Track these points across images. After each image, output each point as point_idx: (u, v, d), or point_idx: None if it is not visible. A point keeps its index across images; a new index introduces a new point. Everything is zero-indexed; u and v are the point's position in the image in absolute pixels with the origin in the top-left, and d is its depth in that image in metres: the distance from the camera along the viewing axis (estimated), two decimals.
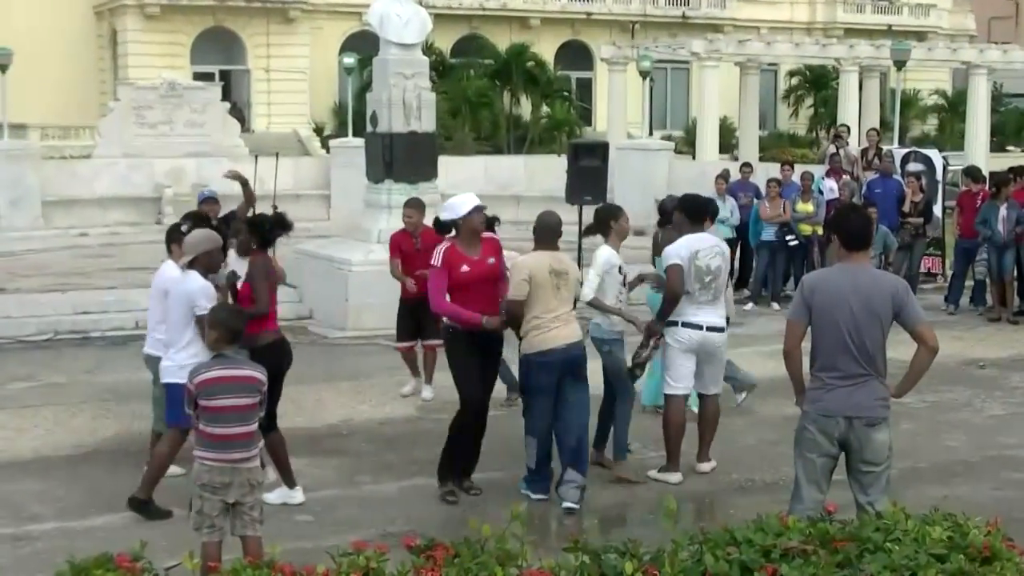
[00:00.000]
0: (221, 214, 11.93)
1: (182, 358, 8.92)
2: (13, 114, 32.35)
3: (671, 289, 9.94)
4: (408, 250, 12.64)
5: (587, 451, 9.76)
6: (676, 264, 9.89)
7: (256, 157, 20.75)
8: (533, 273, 9.29)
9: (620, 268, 10.09)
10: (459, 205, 9.71)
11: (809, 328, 7.30)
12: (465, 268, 9.55)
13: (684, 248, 9.99)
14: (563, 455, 9.48)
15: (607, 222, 10.20)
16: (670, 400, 10.24)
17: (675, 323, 10.02)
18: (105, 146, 31.75)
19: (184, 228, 9.98)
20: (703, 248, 10.00)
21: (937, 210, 21.13)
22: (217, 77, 44.18)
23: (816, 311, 7.19)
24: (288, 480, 9.44)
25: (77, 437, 11.30)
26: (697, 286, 9.93)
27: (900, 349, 7.59)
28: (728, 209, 19.28)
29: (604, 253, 10.04)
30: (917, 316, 7.19)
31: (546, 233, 9.58)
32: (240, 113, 42.60)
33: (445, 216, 9.81)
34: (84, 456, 10.79)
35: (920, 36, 54.22)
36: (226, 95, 38.12)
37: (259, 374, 7.41)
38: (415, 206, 12.88)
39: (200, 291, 9.01)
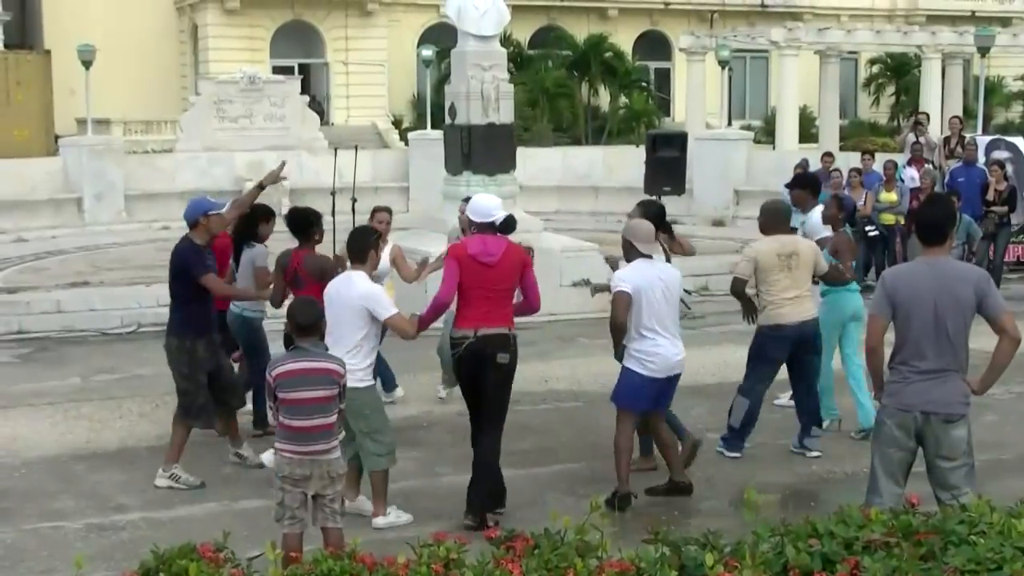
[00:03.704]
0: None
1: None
2: (96, 110, 32.71)
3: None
4: None
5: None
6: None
7: (335, 150, 20.93)
8: (759, 257, 10.12)
9: None
10: (496, 209, 8.93)
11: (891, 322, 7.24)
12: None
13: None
14: (803, 416, 10.51)
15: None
16: None
17: None
18: (186, 140, 32.15)
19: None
20: None
21: None
22: (296, 70, 44.40)
23: (900, 306, 7.12)
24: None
25: (161, 428, 11.37)
26: None
27: (981, 340, 7.48)
28: None
29: None
30: (999, 306, 7.12)
31: (771, 220, 10.25)
32: (319, 106, 42.83)
33: (492, 219, 8.85)
34: (168, 447, 10.89)
35: (1004, 22, 53.31)
36: (305, 88, 38.43)
37: (337, 366, 7.42)
38: None
39: None
